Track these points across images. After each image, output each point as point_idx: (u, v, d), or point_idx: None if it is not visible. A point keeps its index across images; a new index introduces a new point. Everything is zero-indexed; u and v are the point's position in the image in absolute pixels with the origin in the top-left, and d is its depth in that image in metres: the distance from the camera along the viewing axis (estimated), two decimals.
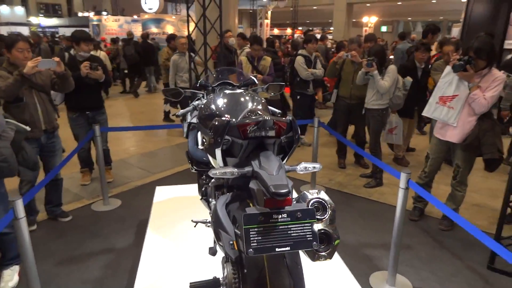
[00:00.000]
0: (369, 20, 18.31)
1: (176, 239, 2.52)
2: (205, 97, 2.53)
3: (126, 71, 10.37)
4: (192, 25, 4.42)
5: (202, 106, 2.21)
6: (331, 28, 24.72)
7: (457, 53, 4.56)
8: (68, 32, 24.80)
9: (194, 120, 2.48)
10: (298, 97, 5.41)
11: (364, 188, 4.24)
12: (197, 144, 2.36)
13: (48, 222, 3.49)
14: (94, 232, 3.31)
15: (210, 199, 2.05)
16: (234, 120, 1.42)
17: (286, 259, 1.30)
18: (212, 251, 1.88)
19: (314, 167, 1.38)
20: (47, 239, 3.20)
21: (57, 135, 3.37)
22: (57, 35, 19.41)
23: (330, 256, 1.31)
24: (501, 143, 3.02)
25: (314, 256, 1.28)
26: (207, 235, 2.40)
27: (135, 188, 4.29)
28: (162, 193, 3.27)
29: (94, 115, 4.03)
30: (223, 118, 1.46)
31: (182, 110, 2.48)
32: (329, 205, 1.41)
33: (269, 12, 11.13)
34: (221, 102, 2.05)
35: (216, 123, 1.47)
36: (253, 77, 2.59)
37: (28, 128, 2.71)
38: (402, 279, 2.62)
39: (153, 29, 15.74)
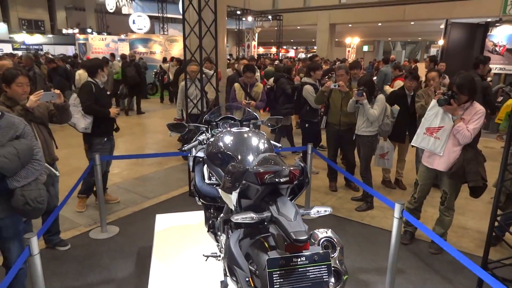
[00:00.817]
0: (352, 41, 18.89)
1: (182, 269, 2.59)
2: (209, 131, 2.66)
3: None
4: (187, 29, 4.42)
5: (210, 142, 2.33)
6: (315, 47, 25.40)
7: (440, 79, 4.87)
8: (52, 50, 24.71)
9: (200, 154, 2.60)
10: (307, 125, 5.48)
11: (356, 212, 4.40)
12: (203, 178, 2.47)
13: (47, 252, 3.49)
14: (94, 261, 3.33)
15: (219, 233, 2.15)
16: (252, 167, 1.54)
17: None
18: (224, 285, 1.97)
19: (325, 211, 1.51)
20: (47, 269, 3.19)
21: (56, 167, 3.40)
22: (41, 53, 19.27)
23: None
24: (484, 171, 3.24)
25: None
26: (214, 265, 2.48)
27: (132, 214, 4.33)
28: (163, 221, 3.33)
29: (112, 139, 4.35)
30: (241, 165, 1.58)
31: (188, 145, 2.59)
32: (337, 243, 1.54)
33: (256, 34, 11.43)
34: (230, 141, 2.18)
35: (235, 170, 1.60)
36: (255, 114, 2.75)
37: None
38: None
39: (140, 49, 15.85)
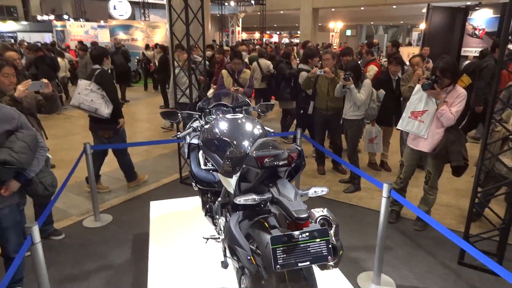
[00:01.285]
0: (336, 26, 18.95)
1: (180, 253, 2.66)
2: (202, 119, 2.71)
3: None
4: (174, 16, 4.35)
5: (205, 129, 2.38)
6: (298, 32, 25.34)
7: (423, 63, 5.01)
8: (28, 37, 23.84)
9: (194, 141, 2.65)
10: (302, 111, 5.47)
11: (344, 193, 4.55)
12: (199, 164, 2.53)
13: (41, 242, 3.50)
14: (90, 250, 3.38)
15: (217, 216, 2.23)
16: (252, 152, 1.61)
17: (303, 270, 1.51)
18: (224, 265, 2.06)
19: (322, 191, 1.60)
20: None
21: (48, 158, 3.39)
22: (14, 41, 18.58)
23: (336, 265, 1.53)
24: (466, 151, 3.40)
25: (324, 266, 1.50)
26: (212, 247, 2.56)
27: (124, 203, 4.36)
28: (157, 208, 3.38)
29: None
30: (241, 150, 1.65)
31: (183, 132, 2.63)
32: (333, 221, 1.64)
33: (240, 19, 11.35)
34: (225, 127, 2.24)
35: (234, 155, 1.66)
36: (247, 100, 2.80)
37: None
38: (386, 278, 2.91)
39: (121, 36, 15.52)
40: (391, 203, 3.86)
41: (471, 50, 8.89)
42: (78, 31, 17.84)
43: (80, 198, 4.46)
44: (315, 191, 1.60)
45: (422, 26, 20.34)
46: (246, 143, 2.19)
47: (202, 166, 2.47)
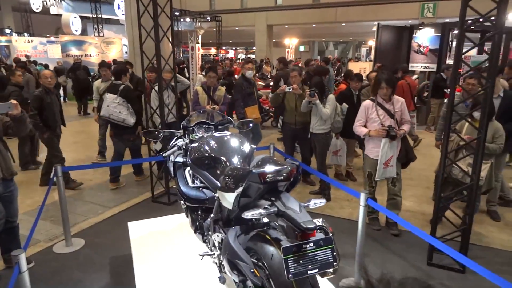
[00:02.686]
0: (291, 42, 19.67)
1: (169, 273, 2.63)
2: (186, 137, 2.74)
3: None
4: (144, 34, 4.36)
5: (193, 148, 2.43)
6: (254, 48, 25.90)
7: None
8: None
9: (179, 159, 2.68)
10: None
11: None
12: (186, 182, 2.56)
13: (8, 272, 3.28)
14: (64, 276, 3.22)
15: (210, 232, 2.26)
16: (254, 168, 1.69)
17: (309, 278, 1.60)
18: (222, 280, 2.10)
19: (320, 202, 1.72)
20: None
21: (14, 183, 3.22)
22: None
23: (334, 272, 1.64)
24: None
25: (324, 273, 1.61)
26: (201, 264, 2.57)
27: (95, 225, 4.20)
28: (136, 228, 3.31)
29: None
30: (242, 167, 1.73)
31: (168, 151, 2.65)
32: (329, 230, 1.76)
33: (200, 36, 11.44)
34: (214, 145, 2.31)
35: (236, 172, 1.74)
36: (229, 118, 2.89)
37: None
38: None
39: (74, 51, 14.96)
40: (369, 213, 4.10)
41: (418, 65, 9.66)
42: (25, 46, 16.90)
43: (45, 222, 4.23)
44: (315, 203, 1.71)
45: (370, 42, 21.73)
46: (235, 160, 2.27)
47: (190, 184, 2.50)
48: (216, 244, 2.17)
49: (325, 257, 1.50)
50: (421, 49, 9.50)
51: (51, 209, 4.44)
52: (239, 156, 2.30)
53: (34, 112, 4.76)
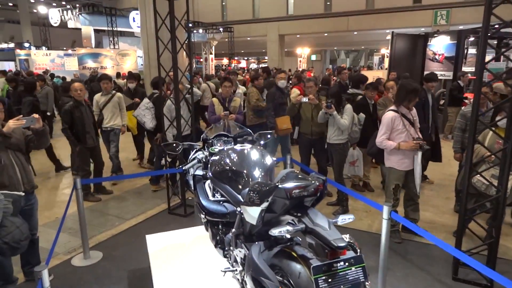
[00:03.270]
0: (303, 51, 19.69)
1: (188, 287, 2.61)
2: (205, 149, 2.73)
3: None
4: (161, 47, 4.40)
5: (214, 161, 2.41)
6: (266, 58, 26.05)
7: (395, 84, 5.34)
8: None
9: (198, 172, 2.67)
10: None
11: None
12: (206, 195, 2.53)
13: (29, 285, 3.30)
14: None
15: (231, 248, 2.22)
16: (280, 183, 1.66)
17: None
18: None
19: (349, 218, 1.67)
20: None
21: (35, 195, 3.25)
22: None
23: None
24: None
25: None
26: (219, 279, 2.53)
27: (112, 237, 4.20)
28: (154, 241, 3.29)
29: None
30: (268, 183, 1.70)
31: (188, 164, 2.63)
32: (357, 246, 1.70)
33: (213, 47, 11.55)
34: (235, 159, 2.29)
35: (262, 187, 1.71)
36: (248, 130, 2.87)
37: (22, 193, 2.63)
38: None
39: (90, 64, 15.28)
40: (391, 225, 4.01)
41: None
42: (43, 59, 17.35)
43: (64, 234, 4.24)
44: (343, 219, 1.66)
45: (383, 50, 21.58)
46: (257, 173, 2.24)
47: (211, 198, 2.48)
48: (238, 260, 2.13)
49: (356, 276, 1.45)
50: (437, 56, 9.39)
51: (69, 221, 4.46)
52: (260, 170, 2.27)
53: (65, 126, 4.88)
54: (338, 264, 1.44)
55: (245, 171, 2.23)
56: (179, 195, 4.79)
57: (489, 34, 2.88)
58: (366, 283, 1.45)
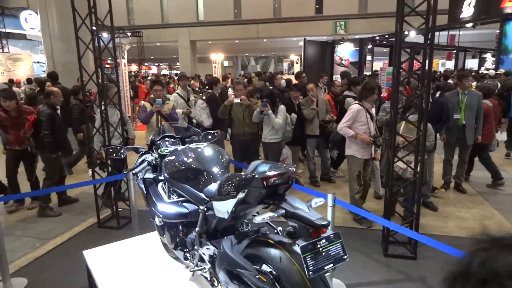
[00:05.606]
0: (217, 57, 19.89)
1: None
2: (154, 151, 2.62)
3: None
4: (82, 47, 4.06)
5: (170, 161, 2.33)
6: (178, 64, 25.63)
7: (317, 88, 5.74)
8: None
9: (148, 175, 2.55)
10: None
11: None
12: (161, 198, 2.43)
13: None
14: None
15: (195, 247, 2.18)
16: (258, 174, 1.70)
17: (320, 275, 1.64)
18: None
19: (320, 201, 1.78)
20: None
21: None
22: None
23: (334, 269, 1.71)
24: None
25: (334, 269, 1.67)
26: (183, 283, 2.45)
27: (35, 261, 3.72)
28: (94, 256, 3.00)
29: None
30: (244, 173, 1.72)
31: (139, 167, 2.50)
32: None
33: (126, 51, 10.98)
34: (194, 157, 2.25)
35: (238, 178, 1.72)
36: (196, 129, 2.84)
37: None
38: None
39: None
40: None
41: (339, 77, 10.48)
42: None
43: None
44: (315, 202, 1.77)
45: (292, 57, 22.95)
46: (216, 170, 2.24)
47: (166, 199, 2.39)
48: (206, 258, 2.09)
49: (336, 252, 1.56)
50: (343, 62, 10.34)
51: None
52: (219, 166, 2.27)
53: None
54: (321, 242, 1.53)
55: (204, 169, 2.21)
56: (112, 205, 4.46)
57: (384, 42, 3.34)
58: (345, 256, 1.57)
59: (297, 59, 20.71)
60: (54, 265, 3.60)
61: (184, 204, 2.29)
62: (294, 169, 1.80)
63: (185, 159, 2.27)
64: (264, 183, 1.67)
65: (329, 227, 1.62)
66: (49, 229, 4.41)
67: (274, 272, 1.71)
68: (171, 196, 2.41)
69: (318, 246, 1.52)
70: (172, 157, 2.34)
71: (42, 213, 4.75)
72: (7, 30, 16.12)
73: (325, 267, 1.51)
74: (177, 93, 5.89)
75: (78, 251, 3.17)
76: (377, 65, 15.24)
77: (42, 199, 4.75)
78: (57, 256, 3.79)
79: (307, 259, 1.48)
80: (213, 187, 2.08)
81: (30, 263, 3.68)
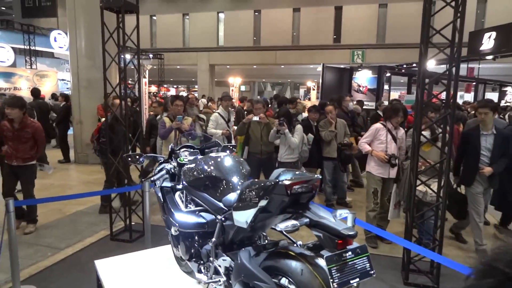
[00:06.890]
0: (235, 81, 20.25)
1: None
2: (173, 160, 2.61)
3: None
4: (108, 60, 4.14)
5: (189, 169, 2.31)
6: (196, 86, 26.11)
7: (336, 110, 5.71)
8: None
9: (166, 184, 2.53)
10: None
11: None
12: (179, 207, 2.39)
13: None
14: None
15: (211, 259, 2.10)
16: (282, 181, 1.65)
17: None
18: None
19: (346, 213, 1.71)
20: None
21: None
22: None
23: (358, 284, 1.62)
24: None
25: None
26: None
27: (46, 269, 3.68)
28: (106, 267, 2.95)
29: None
30: (267, 180, 1.67)
31: (156, 175, 2.48)
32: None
33: (147, 72, 11.27)
34: (213, 166, 2.23)
35: (261, 184, 1.67)
36: (217, 141, 2.83)
37: None
38: None
39: (2, 84, 13.75)
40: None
41: None
42: None
43: None
44: (340, 214, 1.70)
45: (309, 83, 23.18)
46: (236, 180, 2.20)
47: (183, 209, 2.34)
48: (222, 270, 2.02)
49: (363, 266, 1.48)
50: (361, 88, 10.34)
51: None
52: (239, 176, 2.23)
53: None
54: (347, 254, 1.46)
55: (224, 178, 2.17)
56: (126, 219, 4.43)
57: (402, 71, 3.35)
58: (372, 271, 1.48)
59: (314, 86, 20.84)
60: (65, 275, 3.55)
61: (202, 213, 2.25)
62: (320, 177, 1.74)
63: (205, 167, 2.24)
64: (288, 191, 1.61)
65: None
66: (61, 239, 4.39)
67: (294, 286, 1.63)
68: (188, 205, 2.37)
69: (344, 258, 1.45)
70: (192, 165, 2.32)
71: (103, 211, 5.15)
72: (37, 48, 16.77)
73: (351, 281, 1.43)
74: (218, 113, 5.69)
75: (89, 262, 3.12)
76: (394, 95, 15.20)
77: (102, 199, 5.25)
78: (68, 266, 3.75)
79: (332, 271, 1.40)
80: (232, 196, 2.03)
81: (41, 272, 3.64)
